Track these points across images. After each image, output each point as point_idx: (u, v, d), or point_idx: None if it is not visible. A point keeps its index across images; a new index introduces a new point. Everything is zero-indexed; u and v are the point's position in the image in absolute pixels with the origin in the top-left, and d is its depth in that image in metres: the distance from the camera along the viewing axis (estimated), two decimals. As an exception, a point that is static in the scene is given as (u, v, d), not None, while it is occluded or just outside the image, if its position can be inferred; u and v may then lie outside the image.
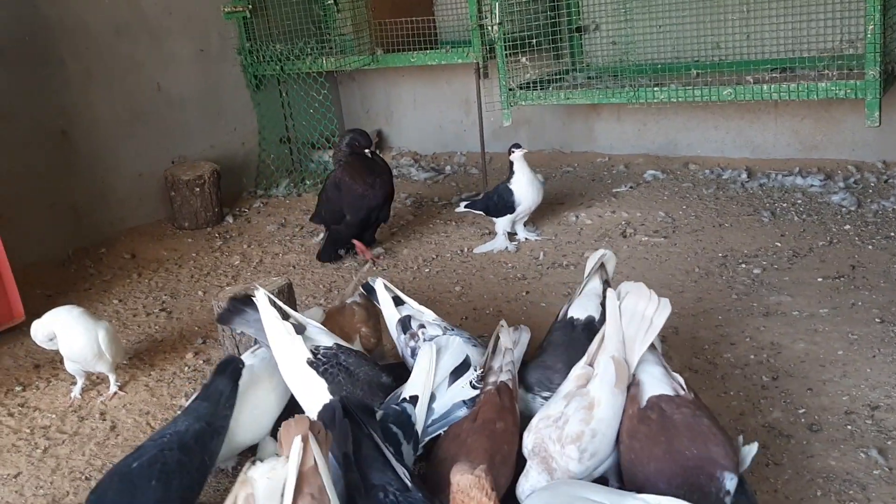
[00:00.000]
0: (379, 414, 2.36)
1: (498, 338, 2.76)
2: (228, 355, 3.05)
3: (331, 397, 2.60)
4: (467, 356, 2.62)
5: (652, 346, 2.53)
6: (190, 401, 2.64)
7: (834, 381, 3.05)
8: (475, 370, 2.56)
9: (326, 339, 2.80)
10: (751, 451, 2.21)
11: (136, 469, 2.22)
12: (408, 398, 2.41)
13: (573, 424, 2.28)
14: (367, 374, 2.69)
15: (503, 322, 2.85)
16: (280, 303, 2.91)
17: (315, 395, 2.66)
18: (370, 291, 3.23)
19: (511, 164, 4.86)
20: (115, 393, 3.44)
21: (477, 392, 2.48)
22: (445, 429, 2.46)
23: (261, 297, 2.84)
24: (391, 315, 3.07)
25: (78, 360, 3.33)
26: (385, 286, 3.13)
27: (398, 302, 3.12)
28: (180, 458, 2.29)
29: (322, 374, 2.69)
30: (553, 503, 2.02)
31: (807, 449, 2.67)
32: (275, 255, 5.08)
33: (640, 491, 2.15)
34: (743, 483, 2.24)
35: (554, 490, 2.10)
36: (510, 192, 4.80)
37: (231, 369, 2.65)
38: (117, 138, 5.59)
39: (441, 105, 7.23)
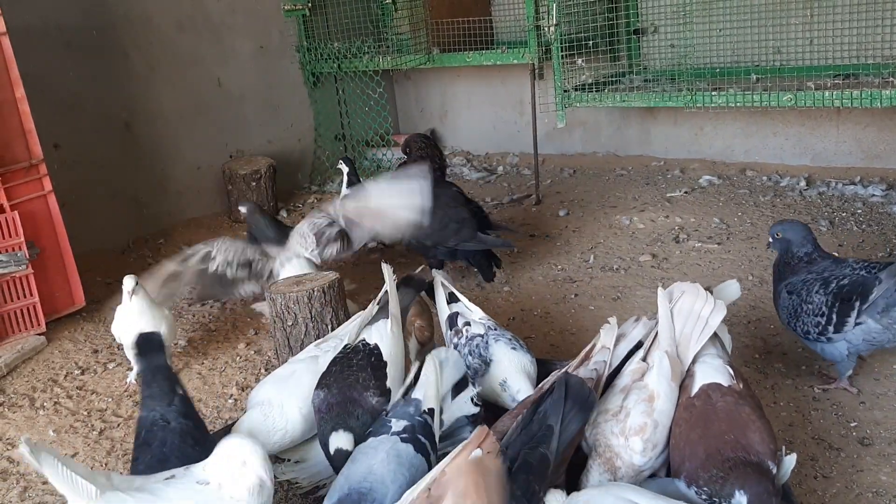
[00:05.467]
0: (402, 424, 2.36)
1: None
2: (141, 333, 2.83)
3: (305, 386, 2.70)
4: (466, 373, 2.65)
5: (716, 339, 2.59)
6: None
7: (888, 396, 2.98)
8: (474, 387, 2.61)
9: (375, 338, 2.78)
10: (790, 462, 2.19)
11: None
12: (426, 410, 2.41)
13: (635, 416, 2.31)
14: (355, 382, 2.61)
15: (611, 320, 2.73)
16: (449, 287, 3.12)
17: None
18: (431, 288, 3.31)
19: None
20: None
21: (478, 409, 2.53)
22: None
23: (387, 274, 2.92)
24: (443, 311, 3.16)
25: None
26: (442, 283, 3.22)
27: (452, 298, 3.19)
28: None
29: (332, 360, 2.74)
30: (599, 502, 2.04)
31: (857, 463, 2.62)
32: (327, 250, 5.15)
33: (676, 474, 2.22)
34: (788, 494, 2.22)
35: (604, 490, 2.12)
36: None
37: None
38: (178, 131, 5.72)
39: (495, 105, 7.23)
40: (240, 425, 2.83)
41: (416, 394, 2.47)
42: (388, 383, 2.67)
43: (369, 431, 2.45)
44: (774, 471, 2.14)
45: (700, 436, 2.25)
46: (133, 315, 3.43)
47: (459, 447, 2.07)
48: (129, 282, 3.44)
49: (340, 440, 2.47)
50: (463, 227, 4.18)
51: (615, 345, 2.64)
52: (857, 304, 2.86)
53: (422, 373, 2.52)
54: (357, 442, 2.44)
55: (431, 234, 4.16)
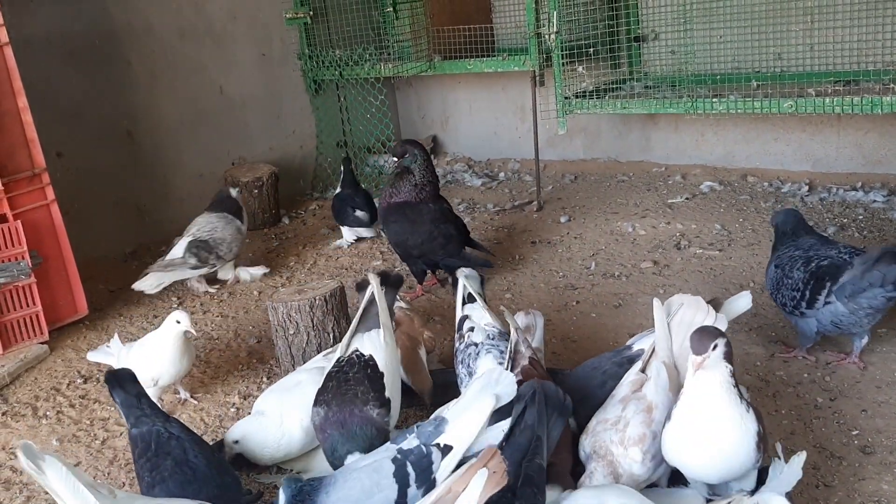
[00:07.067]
0: (413, 442, 2.31)
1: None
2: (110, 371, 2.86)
3: (309, 397, 2.67)
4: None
5: None
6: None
7: (890, 403, 2.98)
8: None
9: (370, 348, 2.75)
10: (799, 460, 2.22)
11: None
12: (441, 445, 2.29)
13: (634, 427, 2.34)
14: (354, 396, 2.59)
15: (503, 308, 2.96)
16: (469, 288, 3.11)
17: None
18: (454, 284, 3.30)
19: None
20: (186, 400, 3.48)
21: None
22: None
23: (374, 283, 2.87)
24: (457, 311, 3.15)
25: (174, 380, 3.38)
26: (464, 284, 3.18)
27: (470, 299, 3.14)
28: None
29: (326, 375, 2.72)
30: None
31: (859, 471, 2.62)
32: (328, 258, 5.16)
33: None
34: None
35: (596, 491, 2.16)
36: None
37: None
38: (180, 139, 5.74)
39: (496, 112, 7.24)
40: (233, 430, 2.84)
41: (450, 414, 2.36)
42: (387, 393, 2.66)
43: (397, 436, 2.42)
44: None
45: None
46: (164, 350, 3.23)
47: (466, 466, 2.07)
48: (185, 319, 3.20)
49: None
50: (449, 243, 4.28)
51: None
52: (828, 284, 3.11)
53: (470, 402, 2.36)
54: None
55: (420, 247, 4.27)
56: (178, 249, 4.53)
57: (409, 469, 2.24)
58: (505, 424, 2.31)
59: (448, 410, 2.39)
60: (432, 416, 2.43)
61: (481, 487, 1.95)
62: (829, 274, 3.12)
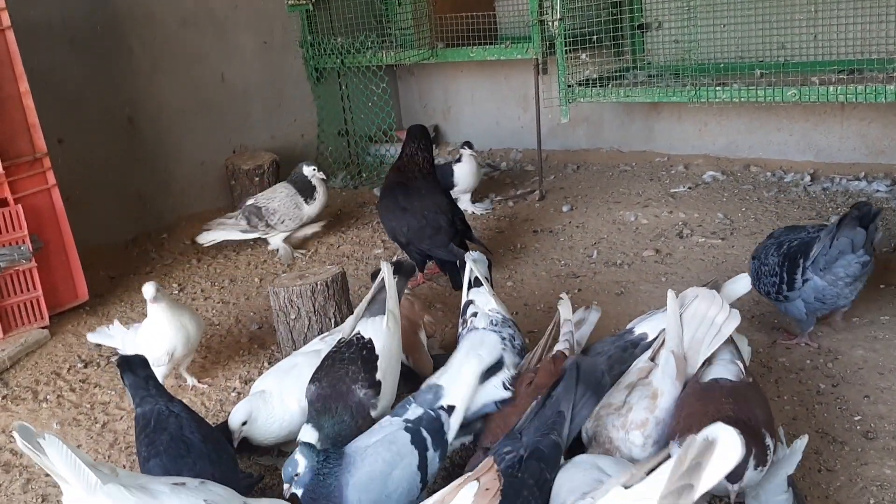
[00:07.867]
0: (418, 412, 2.37)
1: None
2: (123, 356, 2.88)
3: (306, 379, 2.69)
4: (502, 356, 2.64)
5: (730, 344, 2.63)
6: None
7: (892, 390, 2.98)
8: (509, 370, 2.58)
9: (371, 332, 2.77)
10: (801, 444, 2.21)
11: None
12: (445, 406, 2.40)
13: (638, 412, 2.36)
14: (344, 375, 2.63)
15: (563, 295, 3.02)
16: (475, 272, 3.13)
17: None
18: (462, 267, 3.32)
19: (460, 154, 5.56)
20: (194, 386, 3.48)
21: (509, 394, 2.52)
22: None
23: (385, 271, 2.89)
24: (463, 295, 3.16)
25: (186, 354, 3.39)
26: (471, 268, 3.19)
27: (477, 283, 3.15)
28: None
29: (325, 355, 2.76)
30: (573, 471, 2.12)
31: (861, 456, 2.61)
32: (329, 246, 5.15)
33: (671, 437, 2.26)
34: (793, 487, 2.22)
35: (576, 461, 2.20)
36: (451, 172, 5.51)
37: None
38: (181, 127, 5.72)
39: (499, 101, 7.22)
40: (237, 412, 2.83)
41: (442, 380, 2.46)
42: (378, 376, 2.67)
43: (394, 411, 2.45)
44: (771, 447, 2.17)
45: (699, 400, 2.31)
46: (162, 324, 3.24)
47: (461, 478, 2.08)
48: (149, 289, 3.19)
49: (305, 434, 2.53)
50: (437, 234, 4.19)
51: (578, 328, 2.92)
52: (801, 261, 3.15)
53: (459, 364, 2.50)
54: (327, 440, 2.49)
55: (406, 234, 4.25)
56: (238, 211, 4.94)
57: (425, 434, 2.34)
58: (496, 380, 2.51)
59: (440, 378, 2.49)
60: (424, 385, 2.52)
61: (470, 501, 1.94)
62: (800, 251, 3.17)
